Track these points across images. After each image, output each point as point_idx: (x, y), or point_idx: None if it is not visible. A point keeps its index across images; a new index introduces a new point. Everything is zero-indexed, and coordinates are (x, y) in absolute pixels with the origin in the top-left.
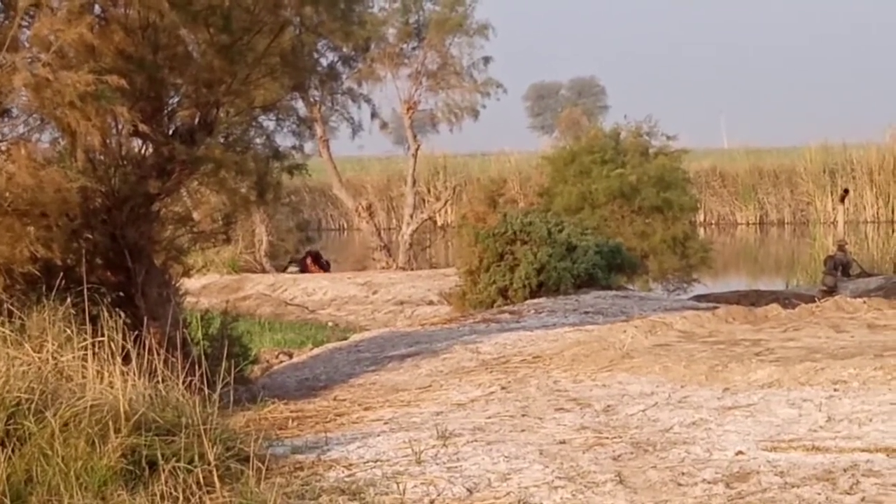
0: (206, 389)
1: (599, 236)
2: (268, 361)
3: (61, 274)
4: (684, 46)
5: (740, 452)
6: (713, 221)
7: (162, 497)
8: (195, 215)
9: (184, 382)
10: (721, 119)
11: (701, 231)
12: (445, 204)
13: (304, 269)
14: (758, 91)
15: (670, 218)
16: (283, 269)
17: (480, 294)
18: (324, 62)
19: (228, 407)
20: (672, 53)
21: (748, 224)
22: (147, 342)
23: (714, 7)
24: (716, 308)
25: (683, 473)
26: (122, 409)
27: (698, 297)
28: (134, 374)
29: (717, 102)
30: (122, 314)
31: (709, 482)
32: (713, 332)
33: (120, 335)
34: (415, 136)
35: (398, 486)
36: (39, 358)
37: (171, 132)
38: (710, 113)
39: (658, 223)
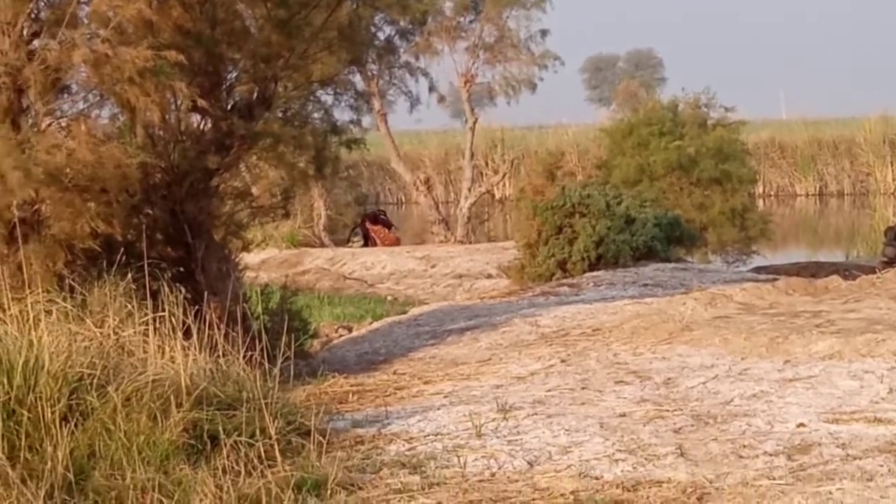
0: (266, 364)
1: (658, 208)
2: (327, 336)
3: (122, 249)
4: (742, 17)
5: (801, 424)
6: (772, 193)
7: (224, 471)
8: (254, 190)
9: (244, 357)
10: (780, 90)
11: (760, 203)
12: (503, 177)
13: (366, 234)
14: (817, 61)
15: (729, 190)
16: (347, 242)
17: (539, 267)
18: (381, 36)
19: (289, 381)
20: (729, 25)
21: (807, 195)
22: (207, 317)
23: None
24: (775, 280)
25: (744, 446)
26: (183, 384)
27: (758, 269)
28: (195, 348)
29: (776, 73)
30: (183, 289)
31: (770, 454)
32: (773, 303)
33: (180, 310)
34: (472, 110)
35: (459, 460)
36: (101, 333)
37: (229, 107)
38: (768, 84)
39: (717, 195)
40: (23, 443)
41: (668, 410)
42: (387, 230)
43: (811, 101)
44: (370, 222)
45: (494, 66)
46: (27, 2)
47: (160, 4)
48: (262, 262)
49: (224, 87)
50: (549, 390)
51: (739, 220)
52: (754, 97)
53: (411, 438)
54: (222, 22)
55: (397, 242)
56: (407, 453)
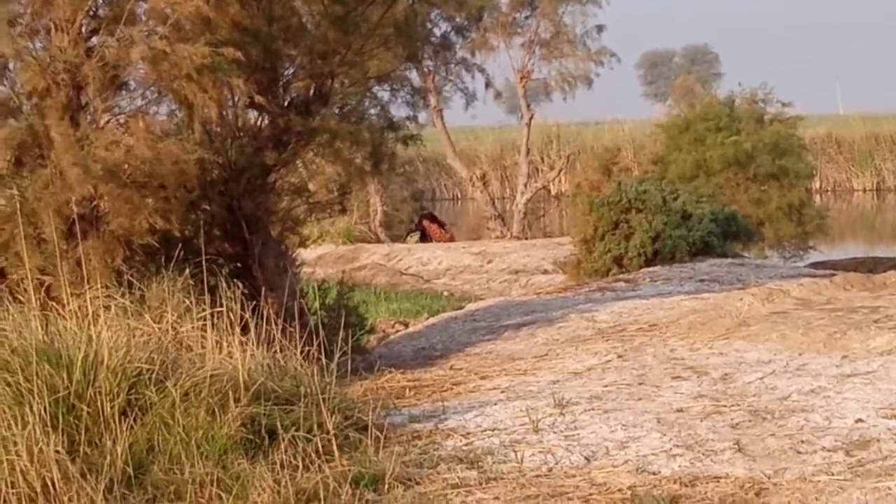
0: (323, 359)
1: (714, 204)
2: (384, 331)
3: (180, 245)
4: (798, 12)
5: (860, 420)
6: (829, 188)
7: (282, 465)
8: (311, 186)
9: (301, 352)
10: (836, 85)
11: (817, 198)
12: (559, 173)
13: (423, 233)
14: (874, 56)
15: (786, 185)
16: (403, 240)
17: (595, 263)
18: (437, 32)
19: (346, 376)
20: (786, 20)
21: (865, 190)
22: (265, 312)
23: None
24: (833, 275)
25: (802, 441)
26: (241, 379)
27: (815, 265)
28: (252, 343)
29: (833, 68)
30: (240, 285)
31: (828, 450)
32: (831, 299)
33: (238, 305)
34: (528, 106)
35: (516, 455)
36: (159, 328)
37: (286, 103)
38: (825, 79)
39: (773, 190)
40: (82, 437)
41: (725, 406)
42: (442, 229)
43: (868, 95)
44: (429, 220)
45: (550, 61)
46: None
47: (218, 1)
48: (319, 257)
49: (281, 83)
50: (606, 385)
51: (796, 215)
52: (811, 92)
53: (468, 433)
54: (279, 18)
55: (452, 240)
56: (464, 448)
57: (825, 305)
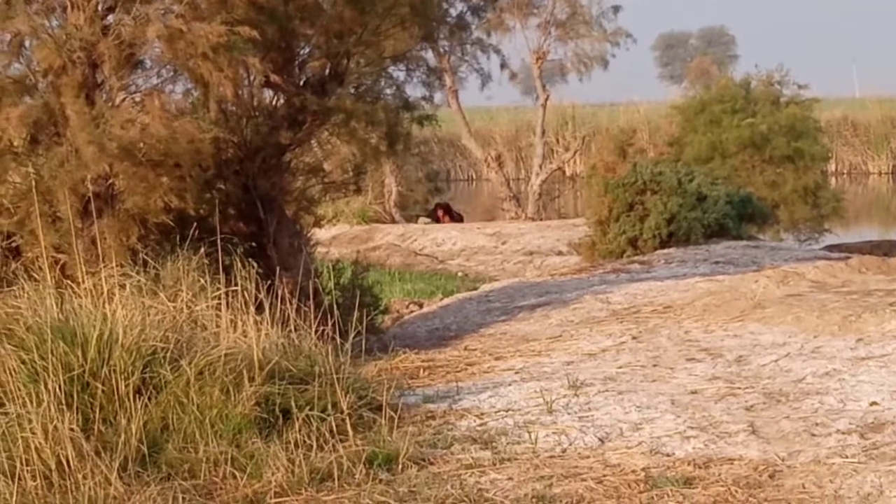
0: (338, 339)
1: (730, 186)
2: (398, 311)
3: (194, 224)
4: None
5: (874, 403)
6: (845, 171)
7: (296, 445)
8: (326, 166)
9: (316, 332)
10: (853, 68)
11: (832, 181)
12: (574, 154)
13: (437, 220)
14: (891, 39)
15: (801, 168)
16: (416, 220)
17: (610, 244)
18: (453, 12)
19: (360, 356)
20: (803, 1)
21: (880, 174)
22: (279, 292)
23: None
24: (848, 258)
25: (817, 424)
26: (255, 358)
27: (830, 247)
28: (267, 323)
29: (849, 51)
30: (255, 264)
31: (843, 433)
32: (846, 282)
33: (253, 285)
34: (544, 86)
35: (530, 436)
36: (174, 307)
37: (302, 83)
38: (841, 62)
39: (789, 173)
40: (97, 415)
41: (739, 388)
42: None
43: (885, 78)
44: (444, 212)
45: (566, 42)
46: None
47: None
48: (334, 237)
49: (297, 62)
50: (621, 367)
51: (812, 198)
52: (827, 74)
53: (482, 414)
54: None
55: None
56: (478, 429)
57: (840, 288)
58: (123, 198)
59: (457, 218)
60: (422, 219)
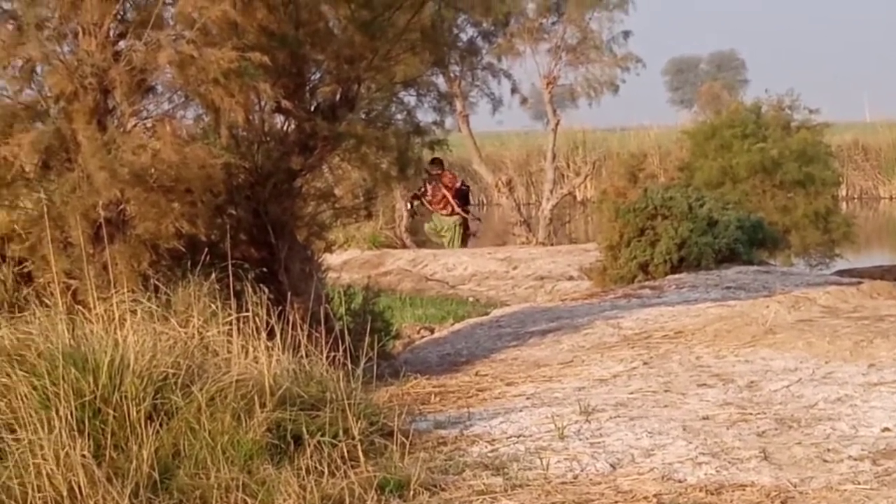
0: (349, 364)
1: (741, 211)
2: (409, 337)
3: (206, 249)
4: (825, 18)
5: (887, 429)
6: (855, 196)
7: (307, 471)
8: (337, 191)
9: (327, 357)
10: (864, 92)
11: (843, 205)
12: (585, 179)
13: (422, 195)
14: None
15: (812, 192)
16: (412, 210)
17: (621, 269)
18: (464, 37)
19: (371, 382)
20: (812, 26)
21: (891, 198)
22: (290, 317)
23: None
24: (860, 283)
25: (829, 450)
26: (266, 384)
27: (841, 273)
28: (278, 349)
29: (859, 75)
30: (266, 290)
31: (855, 459)
32: (857, 307)
33: (264, 310)
34: (554, 111)
35: (541, 462)
36: (185, 333)
37: (313, 108)
38: (851, 86)
39: (800, 198)
40: (108, 441)
41: (751, 414)
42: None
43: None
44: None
45: (577, 67)
46: (113, 3)
47: (245, 6)
48: (344, 262)
49: (307, 88)
50: (632, 393)
51: (823, 222)
52: (838, 99)
53: (494, 440)
54: (306, 23)
55: (454, 185)
56: (489, 455)
57: (852, 313)
58: (135, 223)
59: (460, 191)
60: (413, 203)
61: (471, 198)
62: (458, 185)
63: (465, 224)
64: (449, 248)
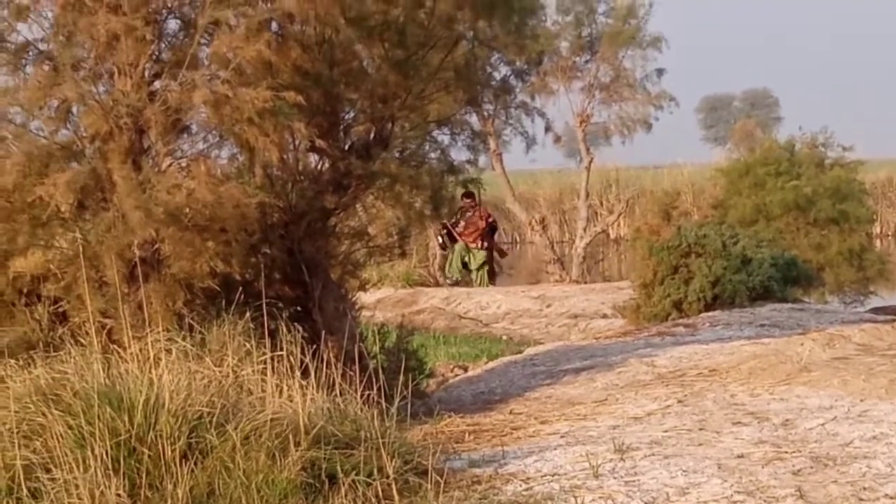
0: (383, 403)
1: (775, 248)
2: (443, 375)
3: (240, 289)
4: (857, 56)
5: None
6: (890, 233)
7: None
8: (371, 230)
9: (361, 396)
10: None
11: (878, 243)
12: (619, 217)
13: (450, 233)
14: None
15: (846, 230)
16: (442, 243)
17: (655, 307)
18: (497, 76)
19: (406, 420)
20: (845, 63)
21: None
22: (325, 356)
23: (887, 16)
24: (894, 321)
25: (865, 488)
26: (301, 423)
27: (876, 310)
28: (312, 387)
29: (893, 111)
30: (300, 328)
31: (891, 497)
32: (893, 344)
33: (298, 349)
34: (588, 149)
35: (576, 500)
36: (220, 372)
37: (347, 147)
38: (885, 122)
39: (834, 235)
40: (143, 480)
41: (786, 452)
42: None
43: None
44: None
45: (610, 105)
46: (149, 43)
47: (279, 45)
48: (378, 301)
49: (342, 127)
50: (666, 431)
51: (857, 260)
52: (871, 136)
53: (528, 479)
54: (340, 62)
55: (487, 218)
56: (524, 493)
57: (887, 351)
58: (170, 262)
59: (491, 225)
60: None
61: (497, 235)
62: (490, 220)
63: (490, 259)
64: (476, 282)
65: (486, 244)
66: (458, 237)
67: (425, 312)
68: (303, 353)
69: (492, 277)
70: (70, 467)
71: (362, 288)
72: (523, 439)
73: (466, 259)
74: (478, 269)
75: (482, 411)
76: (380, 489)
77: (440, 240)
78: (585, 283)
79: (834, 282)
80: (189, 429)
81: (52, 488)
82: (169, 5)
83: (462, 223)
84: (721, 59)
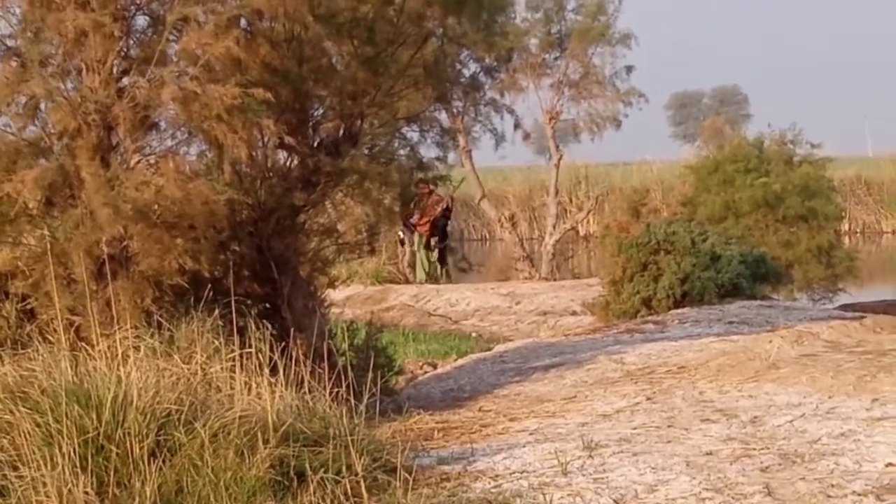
0: (352, 400)
1: (744, 246)
2: (412, 372)
3: (209, 286)
4: (827, 53)
5: (890, 464)
6: (858, 230)
7: None
8: (340, 226)
9: (330, 393)
10: (865, 126)
11: (846, 240)
12: (588, 214)
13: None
14: None
15: (815, 227)
16: (401, 238)
17: (624, 304)
18: (466, 73)
19: (374, 418)
20: (814, 60)
21: (893, 232)
22: (294, 353)
23: (856, 16)
24: (863, 318)
25: (833, 485)
26: (270, 420)
27: (844, 307)
28: (281, 385)
29: (861, 109)
30: (269, 325)
31: (858, 494)
32: (860, 341)
33: (267, 346)
34: (557, 146)
35: (545, 498)
36: (188, 369)
37: (316, 144)
38: (853, 120)
39: (803, 232)
40: (111, 478)
41: (754, 449)
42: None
43: None
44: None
45: (579, 102)
46: (117, 40)
47: (248, 42)
48: (348, 298)
49: (311, 124)
50: (635, 428)
51: (825, 257)
52: (840, 133)
53: (497, 476)
54: (309, 59)
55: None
56: (493, 490)
57: (855, 348)
58: (138, 259)
59: (443, 210)
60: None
61: (451, 221)
62: (443, 205)
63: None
64: (420, 269)
65: (437, 242)
66: (413, 228)
67: (395, 309)
68: (271, 350)
69: (443, 261)
70: (38, 465)
71: (331, 285)
72: (492, 436)
73: (425, 266)
74: (431, 262)
75: (451, 409)
76: (348, 487)
77: (400, 234)
78: (555, 280)
79: (802, 279)
80: (157, 426)
81: (20, 486)
82: (137, 2)
83: (416, 213)
84: (690, 56)
